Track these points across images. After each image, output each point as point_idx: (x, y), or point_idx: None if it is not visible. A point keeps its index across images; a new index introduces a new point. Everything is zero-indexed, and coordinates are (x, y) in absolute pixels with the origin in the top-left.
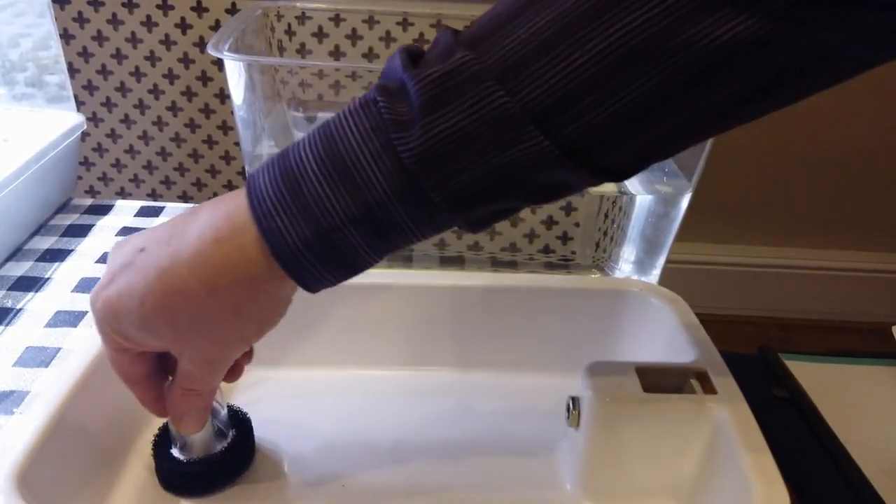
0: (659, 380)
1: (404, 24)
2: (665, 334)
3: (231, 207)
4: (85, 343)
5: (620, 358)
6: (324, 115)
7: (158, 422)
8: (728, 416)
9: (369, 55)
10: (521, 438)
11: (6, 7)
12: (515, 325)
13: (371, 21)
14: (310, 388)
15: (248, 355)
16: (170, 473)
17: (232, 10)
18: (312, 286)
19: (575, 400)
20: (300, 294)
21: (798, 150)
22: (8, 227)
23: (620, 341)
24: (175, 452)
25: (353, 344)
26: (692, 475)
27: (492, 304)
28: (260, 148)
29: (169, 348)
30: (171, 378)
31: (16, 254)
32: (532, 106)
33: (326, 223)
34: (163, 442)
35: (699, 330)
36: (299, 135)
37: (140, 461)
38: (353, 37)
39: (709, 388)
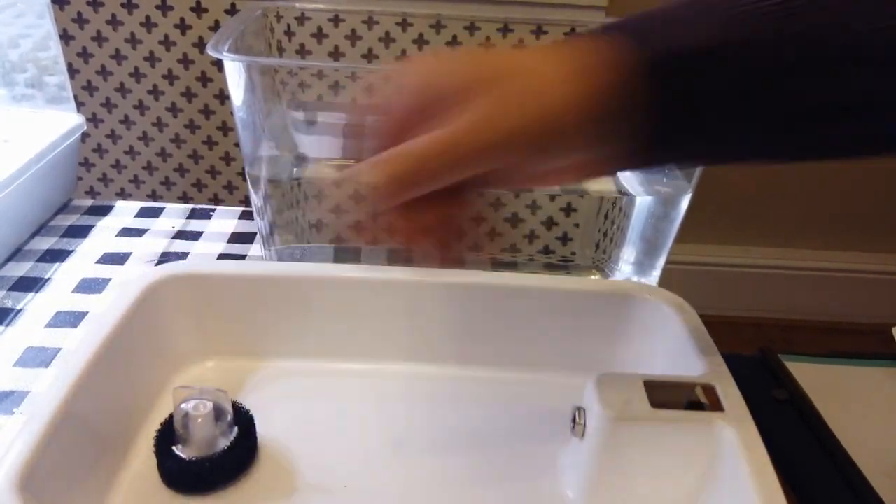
0: (666, 394)
1: (404, 24)
2: (671, 341)
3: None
4: (85, 340)
5: (625, 363)
6: (324, 116)
7: (160, 418)
8: (734, 436)
9: (369, 56)
10: (524, 441)
11: (6, 8)
12: (520, 325)
13: (371, 21)
14: (312, 387)
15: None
16: (172, 471)
17: (231, 11)
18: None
19: (581, 411)
20: (303, 290)
21: None
22: (8, 227)
23: (626, 346)
24: (177, 450)
25: (354, 342)
26: (695, 492)
27: (496, 302)
28: (260, 149)
29: (458, 95)
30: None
31: (16, 254)
32: None
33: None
34: (165, 439)
35: (706, 338)
36: (299, 136)
37: (142, 458)
38: (353, 37)
39: (715, 404)
